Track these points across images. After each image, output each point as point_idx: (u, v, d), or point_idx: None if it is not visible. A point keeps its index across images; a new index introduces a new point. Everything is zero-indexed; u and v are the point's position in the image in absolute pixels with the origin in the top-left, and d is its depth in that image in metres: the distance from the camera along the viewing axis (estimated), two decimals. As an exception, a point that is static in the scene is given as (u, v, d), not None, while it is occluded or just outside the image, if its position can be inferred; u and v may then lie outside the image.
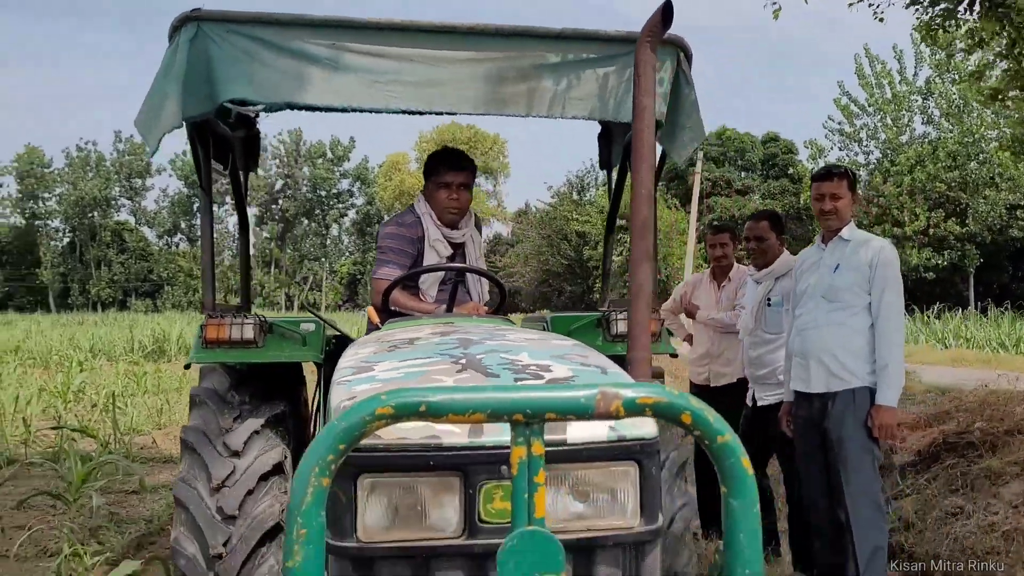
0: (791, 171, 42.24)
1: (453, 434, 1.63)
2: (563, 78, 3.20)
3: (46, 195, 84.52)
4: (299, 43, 3.04)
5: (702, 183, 37.26)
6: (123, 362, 19.57)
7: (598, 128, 4.44)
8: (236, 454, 3.24)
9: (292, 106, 3.19)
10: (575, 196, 45.93)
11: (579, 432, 1.64)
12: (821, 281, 3.95)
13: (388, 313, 3.36)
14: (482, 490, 1.63)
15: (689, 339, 5.51)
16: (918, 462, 5.97)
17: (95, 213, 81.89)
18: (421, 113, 3.17)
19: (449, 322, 2.82)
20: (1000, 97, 8.01)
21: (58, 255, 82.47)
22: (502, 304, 3.43)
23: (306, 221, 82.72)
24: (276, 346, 3.38)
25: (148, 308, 69.73)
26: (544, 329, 3.53)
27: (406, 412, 1.20)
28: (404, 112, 3.15)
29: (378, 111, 3.17)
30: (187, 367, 3.53)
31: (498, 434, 1.61)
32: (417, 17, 3.20)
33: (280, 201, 76.66)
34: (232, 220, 60.97)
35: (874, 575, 3.73)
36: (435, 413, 1.20)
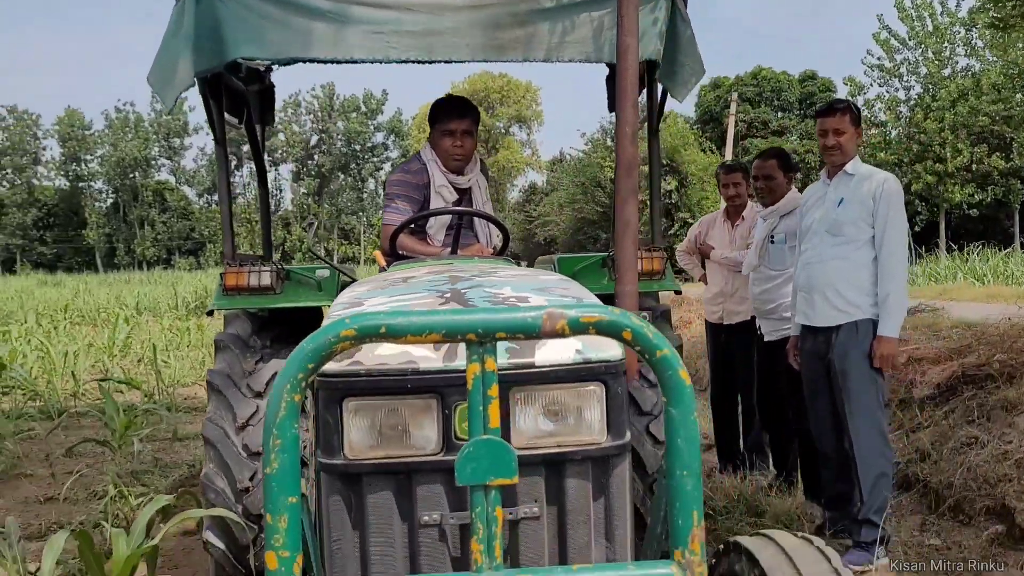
0: (830, 110, 41.24)
1: (429, 359, 1.76)
2: (559, 23, 3.26)
3: (88, 157, 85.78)
4: None
5: (737, 125, 36.67)
6: (167, 318, 20.09)
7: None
8: (259, 395, 3.43)
9: (298, 60, 3.30)
10: (608, 143, 45.44)
11: (547, 355, 1.76)
12: (826, 216, 4.00)
13: (396, 257, 3.50)
14: (457, 410, 1.76)
15: (704, 279, 5.59)
16: (937, 395, 6.01)
17: (136, 173, 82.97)
18: (421, 62, 3.26)
19: (449, 263, 2.95)
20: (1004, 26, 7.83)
21: (103, 216, 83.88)
22: (505, 246, 3.53)
23: (342, 176, 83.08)
24: (293, 292, 3.54)
25: (192, 266, 70.87)
26: (553, 270, 3.64)
27: (368, 334, 1.33)
28: (405, 62, 3.24)
29: (381, 62, 3.26)
30: (209, 313, 3.71)
31: (450, 360, 1.74)
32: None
33: (316, 156, 76.98)
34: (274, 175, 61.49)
35: (877, 501, 3.84)
36: (394, 334, 1.33)
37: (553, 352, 1.73)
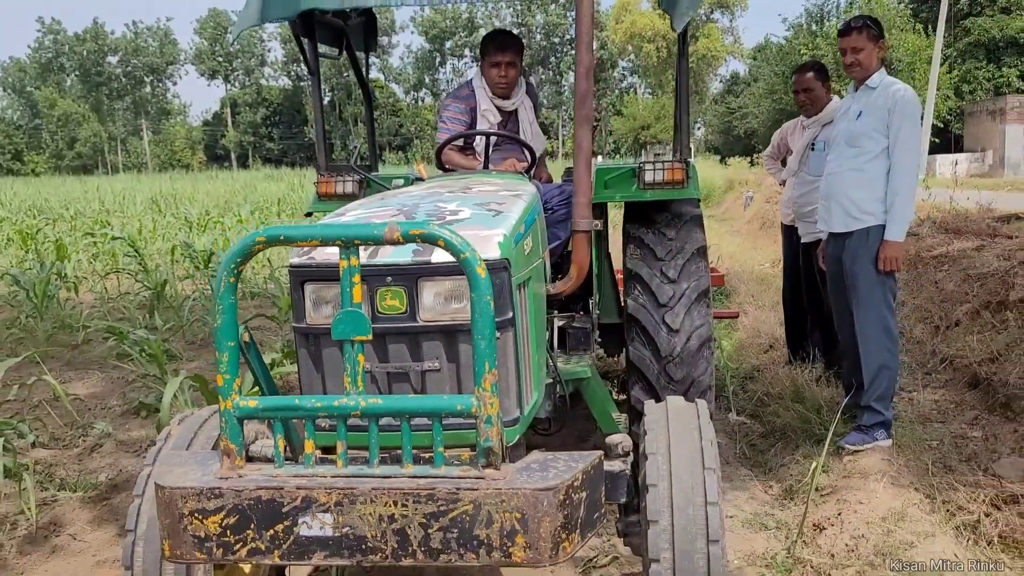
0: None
1: (361, 256, 2.43)
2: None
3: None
4: None
5: (958, 2, 33.49)
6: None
7: None
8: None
9: (362, 6, 3.97)
10: (812, 28, 42.77)
11: (441, 256, 2.38)
12: (847, 128, 4.25)
13: (444, 170, 4.19)
14: (377, 292, 2.44)
15: (783, 183, 5.86)
16: (1030, 299, 6.02)
17: (349, 73, 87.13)
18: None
19: (461, 178, 3.59)
20: None
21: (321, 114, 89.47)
22: (534, 164, 4.10)
23: (541, 69, 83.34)
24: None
25: (401, 161, 74.58)
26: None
27: (272, 240, 2.04)
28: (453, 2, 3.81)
29: (431, 4, 3.87)
30: (307, 215, 4.56)
31: (387, 256, 2.40)
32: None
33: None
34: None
35: (878, 390, 4.19)
36: (289, 241, 2.03)
37: (445, 253, 2.35)
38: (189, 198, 29.34)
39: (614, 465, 2.63)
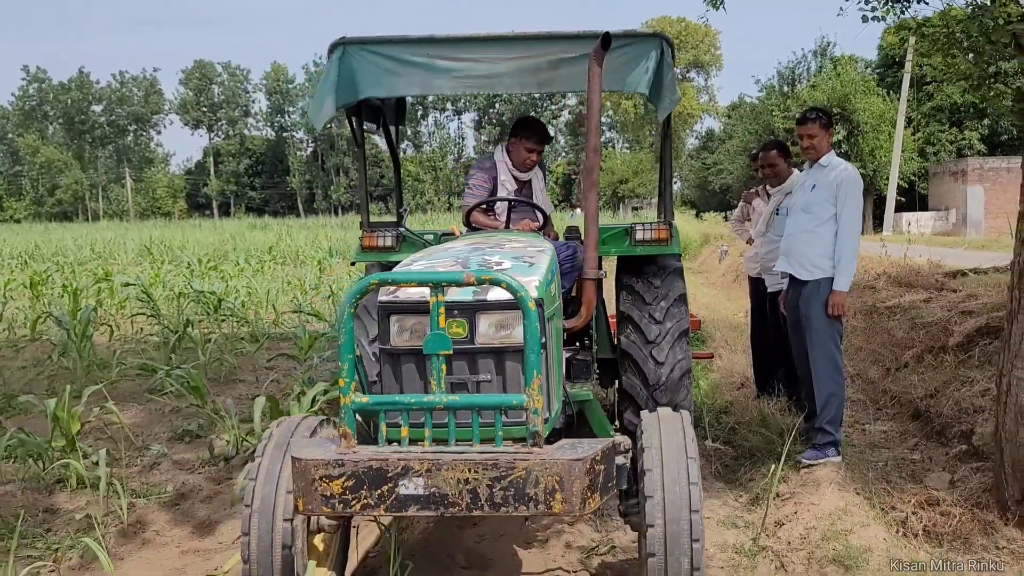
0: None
1: (427, 296, 3.24)
2: (582, 64, 4.63)
3: (291, 109, 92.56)
4: (407, 55, 4.63)
5: (917, 69, 35.16)
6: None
7: None
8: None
9: (404, 95, 4.85)
10: (784, 89, 44.59)
11: (495, 295, 3.20)
12: (803, 198, 5.18)
13: (471, 228, 5.05)
14: (447, 322, 3.25)
15: (750, 240, 6.80)
16: (964, 343, 6.93)
17: (332, 124, 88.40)
18: (487, 92, 4.72)
19: (491, 236, 4.46)
20: None
21: (303, 164, 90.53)
22: (545, 224, 4.99)
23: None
24: (407, 250, 5.13)
25: (381, 211, 75.60)
26: (579, 236, 5.07)
27: (383, 282, 2.86)
28: (475, 94, 4.73)
29: (459, 95, 4.77)
30: (352, 264, 5.39)
31: (455, 296, 3.22)
32: (478, 30, 4.76)
33: (496, 105, 79.24)
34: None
35: (829, 415, 5.03)
36: (395, 283, 2.87)
37: (501, 293, 3.17)
38: (180, 246, 30.06)
39: (618, 459, 3.44)
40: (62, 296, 13.53)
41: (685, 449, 3.29)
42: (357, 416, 3.06)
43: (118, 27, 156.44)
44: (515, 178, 5.12)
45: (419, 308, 3.22)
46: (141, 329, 11.31)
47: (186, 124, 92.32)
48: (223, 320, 11.79)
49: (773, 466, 4.61)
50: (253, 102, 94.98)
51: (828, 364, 5.03)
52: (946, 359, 6.83)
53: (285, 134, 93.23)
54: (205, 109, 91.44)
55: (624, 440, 3.52)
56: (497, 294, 3.17)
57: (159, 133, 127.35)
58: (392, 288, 3.27)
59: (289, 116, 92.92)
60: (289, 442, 3.47)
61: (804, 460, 5.03)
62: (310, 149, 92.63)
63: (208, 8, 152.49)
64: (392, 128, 5.94)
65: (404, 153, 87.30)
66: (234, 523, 4.72)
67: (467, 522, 4.67)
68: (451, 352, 2.90)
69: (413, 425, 3.03)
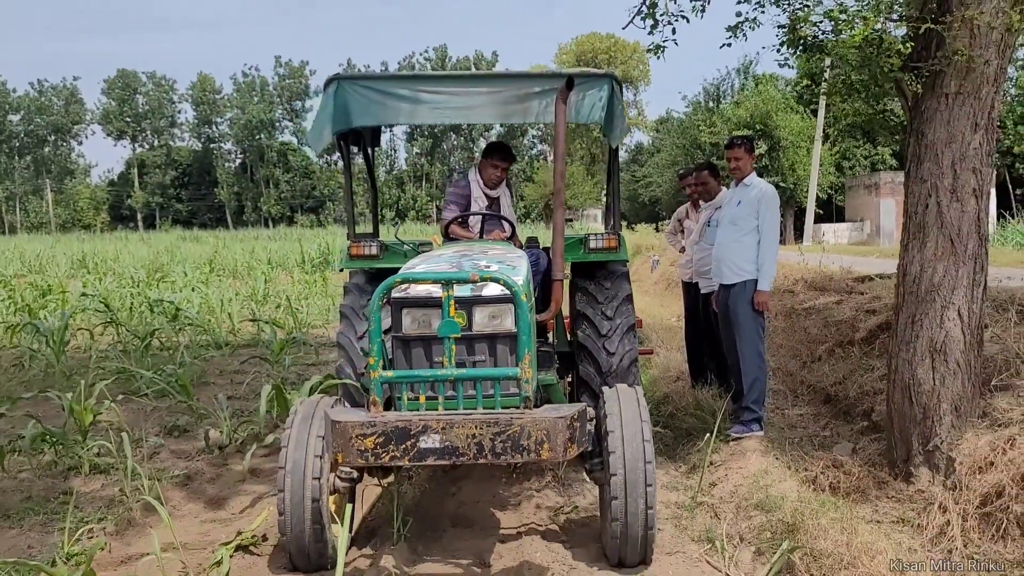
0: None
1: (433, 292, 3.96)
2: (544, 99, 5.45)
3: (218, 120, 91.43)
4: (394, 89, 5.38)
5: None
6: (296, 272, 23.11)
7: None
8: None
9: (391, 124, 5.58)
10: (710, 105, 46.40)
11: (489, 291, 3.96)
12: (730, 212, 6.09)
13: (448, 239, 5.82)
14: (448, 314, 4.02)
15: (683, 250, 7.73)
16: (868, 337, 7.93)
17: (262, 135, 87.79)
18: (463, 122, 5.49)
19: (471, 245, 5.23)
20: None
21: (232, 175, 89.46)
22: (512, 234, 5.80)
23: (454, 136, 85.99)
24: (389, 258, 5.84)
25: (312, 223, 75.36)
26: (538, 245, 5.89)
27: (405, 280, 3.61)
28: (452, 123, 5.48)
29: (436, 123, 5.51)
30: (341, 270, 6.09)
31: (455, 292, 3.97)
32: (452, 68, 5.51)
33: (428, 118, 79.81)
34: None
35: (753, 396, 5.93)
36: (414, 281, 3.62)
37: (491, 289, 3.93)
38: (113, 258, 29.94)
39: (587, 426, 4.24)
40: (12, 310, 13.73)
41: (640, 414, 4.11)
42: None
43: (35, 35, 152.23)
44: (486, 195, 5.90)
45: (427, 302, 3.97)
46: (100, 338, 11.70)
47: (109, 135, 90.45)
48: (180, 329, 12.22)
49: (707, 438, 5.47)
50: (179, 112, 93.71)
51: (753, 353, 5.92)
52: (853, 351, 7.82)
53: (212, 145, 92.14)
54: (129, 119, 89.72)
55: (590, 409, 4.33)
56: (490, 290, 3.94)
57: (80, 144, 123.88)
58: (404, 287, 4.01)
59: (216, 127, 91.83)
60: (313, 414, 4.18)
61: (732, 434, 5.91)
62: (239, 160, 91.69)
63: (133, 17, 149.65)
64: (369, 150, 6.66)
65: (336, 165, 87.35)
66: (242, 498, 5.37)
67: (450, 488, 5.41)
68: (460, 335, 3.66)
69: (430, 398, 3.78)
